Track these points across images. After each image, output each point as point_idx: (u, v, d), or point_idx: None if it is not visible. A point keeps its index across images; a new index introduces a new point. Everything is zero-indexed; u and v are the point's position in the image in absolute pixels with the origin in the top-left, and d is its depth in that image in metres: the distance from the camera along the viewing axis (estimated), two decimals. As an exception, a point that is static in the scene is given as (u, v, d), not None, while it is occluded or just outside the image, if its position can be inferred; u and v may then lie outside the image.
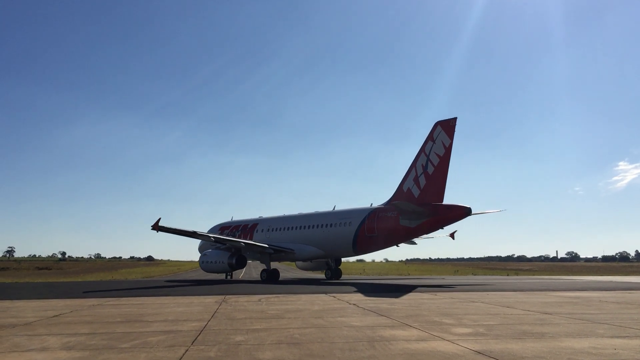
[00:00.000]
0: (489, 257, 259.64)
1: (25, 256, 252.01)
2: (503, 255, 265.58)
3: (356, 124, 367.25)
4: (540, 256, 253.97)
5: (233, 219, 53.21)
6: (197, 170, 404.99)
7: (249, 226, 49.53)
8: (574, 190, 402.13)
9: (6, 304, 20.12)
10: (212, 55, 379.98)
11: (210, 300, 20.08)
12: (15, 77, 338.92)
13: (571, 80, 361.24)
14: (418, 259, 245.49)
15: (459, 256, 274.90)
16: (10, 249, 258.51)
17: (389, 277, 53.99)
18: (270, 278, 42.31)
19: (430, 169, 37.08)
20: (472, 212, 36.14)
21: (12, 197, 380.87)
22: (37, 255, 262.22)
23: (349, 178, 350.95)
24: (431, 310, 15.81)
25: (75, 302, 20.01)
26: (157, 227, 34.38)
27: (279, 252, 44.43)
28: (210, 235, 39.97)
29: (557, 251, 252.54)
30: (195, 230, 39.30)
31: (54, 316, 14.94)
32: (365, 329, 11.68)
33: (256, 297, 21.52)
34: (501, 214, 45.18)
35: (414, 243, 48.34)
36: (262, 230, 47.84)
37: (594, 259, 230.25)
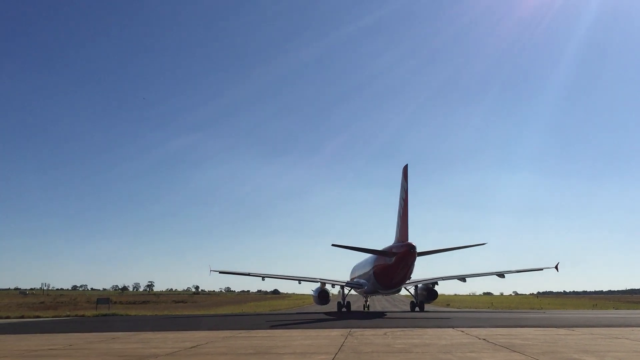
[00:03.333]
0: (631, 289, 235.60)
1: (163, 290, 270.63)
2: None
3: (473, 152, 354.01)
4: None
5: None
6: (320, 204, 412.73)
7: (356, 266, 55.54)
8: None
9: (149, 335, 21.87)
10: (342, 99, 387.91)
11: (336, 334, 20.26)
12: (148, 123, 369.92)
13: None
14: (551, 292, 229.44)
15: (597, 289, 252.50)
16: (150, 283, 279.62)
17: (519, 310, 51.03)
18: (340, 308, 48.43)
19: (401, 212, 42.85)
20: (419, 250, 39.15)
21: (152, 235, 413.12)
22: (173, 289, 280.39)
23: (467, 208, 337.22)
24: (569, 347, 14.71)
25: (210, 334, 21.20)
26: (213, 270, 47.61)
27: (356, 288, 50.95)
28: (257, 274, 49.18)
29: None
30: (249, 271, 50.37)
31: (192, 347, 15.95)
32: (498, 366, 11.17)
33: (382, 331, 21.35)
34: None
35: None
36: (357, 269, 53.80)
37: None
